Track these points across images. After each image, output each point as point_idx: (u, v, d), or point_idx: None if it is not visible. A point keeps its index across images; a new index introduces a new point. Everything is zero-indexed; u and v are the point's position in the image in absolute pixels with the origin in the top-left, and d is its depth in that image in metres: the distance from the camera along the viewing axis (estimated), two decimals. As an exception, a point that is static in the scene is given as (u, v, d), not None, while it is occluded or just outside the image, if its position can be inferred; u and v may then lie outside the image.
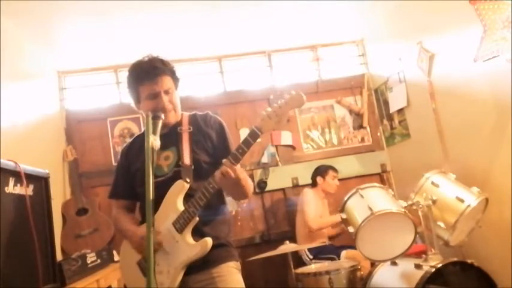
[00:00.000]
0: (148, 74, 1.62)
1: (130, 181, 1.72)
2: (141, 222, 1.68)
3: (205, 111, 1.79)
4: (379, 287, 2.59)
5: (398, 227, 2.46)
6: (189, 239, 1.53)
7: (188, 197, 1.55)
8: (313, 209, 3.47)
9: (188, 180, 1.56)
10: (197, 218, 1.52)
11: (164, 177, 1.61)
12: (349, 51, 4.55)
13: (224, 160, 1.45)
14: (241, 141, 1.48)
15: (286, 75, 4.39)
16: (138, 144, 1.74)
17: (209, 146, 1.68)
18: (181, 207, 1.54)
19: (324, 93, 4.32)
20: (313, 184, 3.69)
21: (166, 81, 1.65)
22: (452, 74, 3.11)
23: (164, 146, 1.52)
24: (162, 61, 1.67)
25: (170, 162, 1.64)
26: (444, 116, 3.28)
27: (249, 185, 1.60)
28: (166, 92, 1.65)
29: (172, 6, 3.20)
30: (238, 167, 1.47)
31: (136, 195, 1.72)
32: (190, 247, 1.51)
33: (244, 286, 1.60)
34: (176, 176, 1.60)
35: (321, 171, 3.68)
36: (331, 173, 3.65)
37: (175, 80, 1.71)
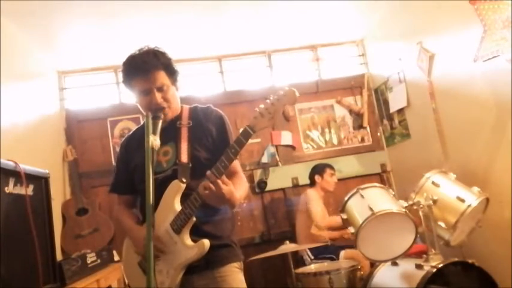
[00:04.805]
0: (139, 69, 1.54)
1: (130, 176, 1.69)
2: (142, 219, 1.67)
3: (207, 105, 1.72)
4: (380, 287, 2.59)
5: (399, 227, 2.46)
6: (187, 240, 1.51)
7: (186, 196, 1.51)
8: (320, 208, 3.51)
9: (184, 180, 1.53)
10: (194, 219, 1.50)
11: (163, 175, 1.58)
12: (349, 51, 4.55)
13: (208, 172, 1.39)
14: (233, 140, 1.43)
15: (286, 75, 4.38)
16: (137, 137, 1.71)
17: (209, 141, 1.62)
18: (178, 207, 1.52)
19: (324, 93, 4.32)
20: (312, 183, 3.70)
21: (159, 77, 1.56)
22: (452, 74, 3.11)
23: (163, 141, 1.45)
24: (155, 54, 1.57)
25: (169, 158, 1.60)
26: (444, 116, 3.28)
27: (235, 198, 1.44)
28: (160, 89, 1.56)
29: (173, 6, 3.20)
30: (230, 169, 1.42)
31: (137, 190, 1.69)
32: (188, 249, 1.50)
33: (245, 286, 1.59)
34: (174, 174, 1.56)
35: (318, 170, 3.69)
36: (328, 170, 3.67)
37: (171, 74, 1.61)
